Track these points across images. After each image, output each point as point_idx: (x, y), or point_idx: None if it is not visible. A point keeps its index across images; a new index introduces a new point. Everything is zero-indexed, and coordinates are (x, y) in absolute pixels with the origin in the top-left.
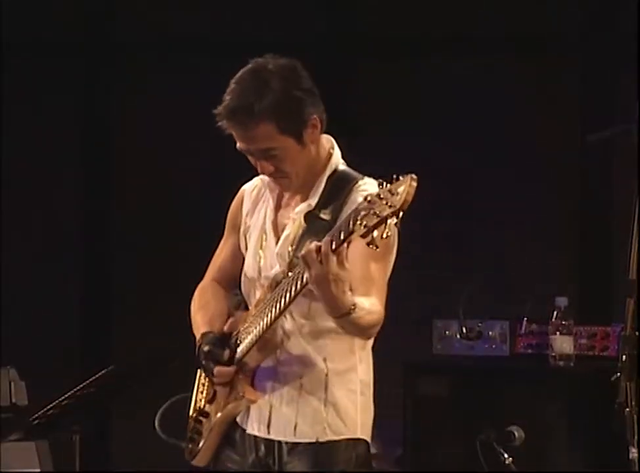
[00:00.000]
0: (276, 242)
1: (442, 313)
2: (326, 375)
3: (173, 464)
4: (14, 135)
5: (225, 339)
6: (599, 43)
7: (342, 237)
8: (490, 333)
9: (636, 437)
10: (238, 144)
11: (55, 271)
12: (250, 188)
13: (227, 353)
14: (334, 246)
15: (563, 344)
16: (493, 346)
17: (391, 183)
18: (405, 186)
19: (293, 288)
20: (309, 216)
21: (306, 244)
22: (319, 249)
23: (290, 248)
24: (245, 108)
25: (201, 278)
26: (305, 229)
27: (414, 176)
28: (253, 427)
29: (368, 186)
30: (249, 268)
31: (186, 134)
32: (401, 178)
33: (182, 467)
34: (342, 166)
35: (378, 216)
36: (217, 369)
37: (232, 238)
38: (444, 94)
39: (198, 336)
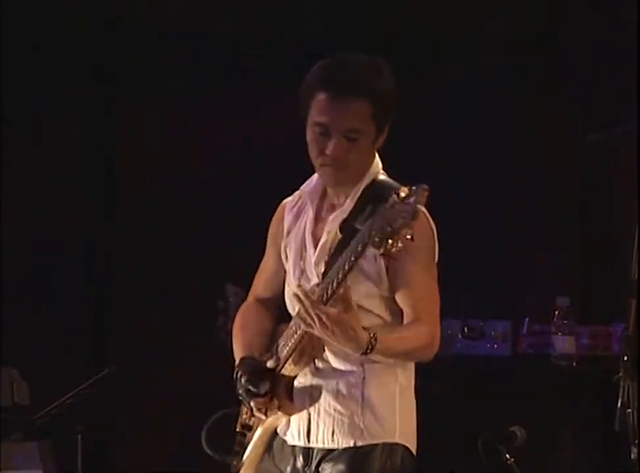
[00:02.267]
0: (315, 253)
1: (444, 312)
2: (363, 379)
3: (176, 464)
4: (11, 134)
5: (264, 373)
6: (600, 42)
7: (336, 281)
8: (492, 332)
9: (638, 437)
10: (319, 118)
11: (57, 270)
12: (291, 203)
13: (263, 386)
14: (328, 295)
15: (565, 344)
16: (495, 346)
17: (401, 194)
18: (417, 197)
19: (324, 299)
20: (345, 226)
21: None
22: (306, 308)
23: (325, 258)
24: (355, 81)
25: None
26: (340, 240)
27: (425, 186)
28: (293, 438)
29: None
30: (290, 281)
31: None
32: (413, 189)
33: (185, 467)
34: (382, 176)
35: (390, 227)
36: (254, 402)
37: (275, 253)
38: (444, 94)
39: (237, 360)
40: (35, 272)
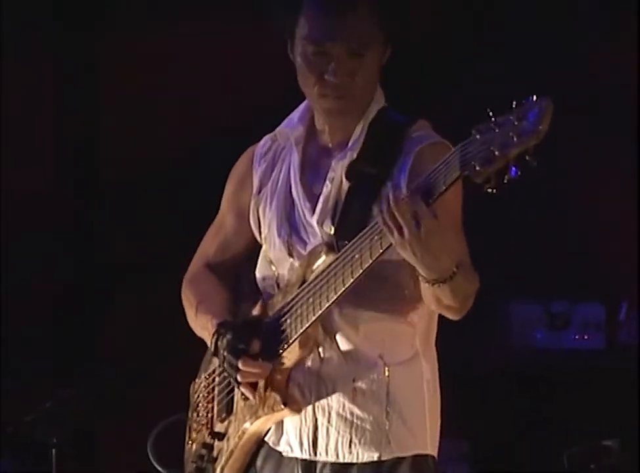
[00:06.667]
0: (312, 208)
1: (521, 294)
2: (388, 376)
3: None
4: None
5: (253, 328)
6: None
7: (444, 184)
8: (581, 319)
9: None
10: (312, 34)
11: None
12: (261, 148)
13: (256, 342)
14: (435, 196)
15: None
16: (586, 336)
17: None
18: (541, 109)
19: (359, 262)
20: (352, 171)
21: (385, 197)
22: (406, 202)
23: (331, 214)
24: None
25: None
26: (350, 188)
27: (549, 99)
28: (292, 448)
29: (423, 131)
30: (273, 246)
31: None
32: (532, 99)
33: None
34: (386, 109)
35: (501, 152)
36: (243, 361)
37: (236, 213)
38: None
39: (210, 329)
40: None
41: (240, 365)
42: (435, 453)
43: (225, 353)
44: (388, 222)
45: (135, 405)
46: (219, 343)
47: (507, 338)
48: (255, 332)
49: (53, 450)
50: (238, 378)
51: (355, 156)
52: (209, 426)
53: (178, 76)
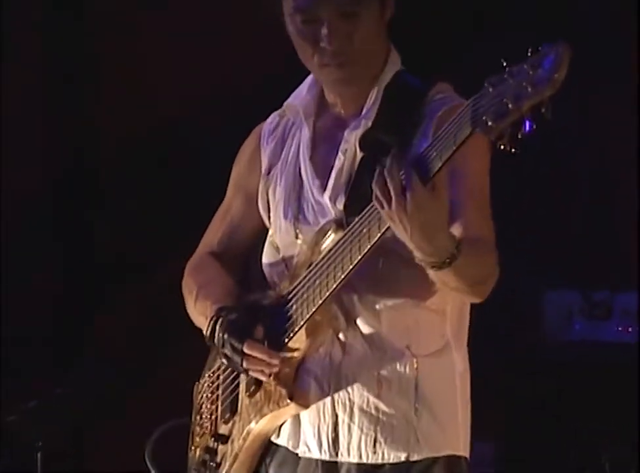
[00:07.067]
0: (322, 185)
1: (557, 281)
2: (416, 368)
3: None
4: None
5: (256, 313)
6: None
7: (454, 144)
8: (624, 309)
9: None
10: (302, 17)
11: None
12: (269, 125)
13: (260, 328)
14: (434, 170)
15: None
16: (630, 328)
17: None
18: (557, 55)
19: (367, 237)
20: (366, 141)
21: (378, 171)
22: (400, 176)
23: (345, 188)
24: None
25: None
26: (364, 159)
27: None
28: (309, 448)
29: (445, 94)
30: (279, 229)
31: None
32: (547, 46)
33: None
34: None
35: (515, 104)
36: (248, 344)
37: (244, 197)
38: None
39: (209, 315)
40: None
41: (245, 348)
42: (467, 455)
43: (226, 336)
44: (377, 192)
45: (131, 406)
46: (217, 327)
47: (540, 330)
48: (258, 318)
49: (38, 454)
50: (244, 364)
51: (369, 124)
52: (212, 428)
53: (178, 75)
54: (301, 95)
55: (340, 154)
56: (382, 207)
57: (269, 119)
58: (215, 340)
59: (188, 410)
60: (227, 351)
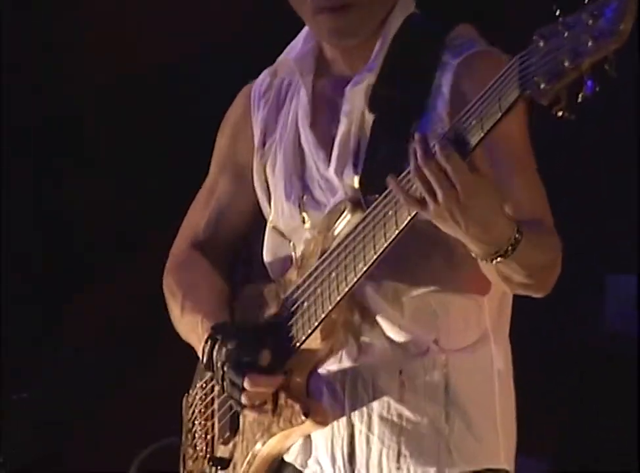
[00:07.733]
0: (327, 157)
1: (609, 265)
2: (445, 365)
3: None
4: None
5: (263, 333)
6: None
7: (499, 110)
8: None
9: None
10: None
11: None
12: (261, 85)
13: (266, 352)
14: (473, 143)
15: None
16: None
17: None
18: (621, 2)
19: (393, 221)
20: (375, 99)
21: (412, 148)
22: (430, 152)
23: (353, 159)
24: None
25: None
26: (375, 122)
27: None
28: (321, 466)
29: (467, 38)
30: (281, 213)
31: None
32: None
33: None
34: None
35: (573, 62)
36: (250, 379)
37: (231, 174)
38: None
39: (201, 333)
40: None
41: (246, 385)
42: (511, 468)
43: (225, 369)
44: (415, 193)
45: (113, 406)
46: (214, 354)
47: (600, 319)
48: (265, 338)
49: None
50: (243, 401)
51: (374, 78)
52: (208, 450)
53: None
54: (296, 49)
55: (342, 117)
56: (425, 209)
57: (260, 79)
58: (213, 370)
59: (177, 415)
60: (226, 385)
